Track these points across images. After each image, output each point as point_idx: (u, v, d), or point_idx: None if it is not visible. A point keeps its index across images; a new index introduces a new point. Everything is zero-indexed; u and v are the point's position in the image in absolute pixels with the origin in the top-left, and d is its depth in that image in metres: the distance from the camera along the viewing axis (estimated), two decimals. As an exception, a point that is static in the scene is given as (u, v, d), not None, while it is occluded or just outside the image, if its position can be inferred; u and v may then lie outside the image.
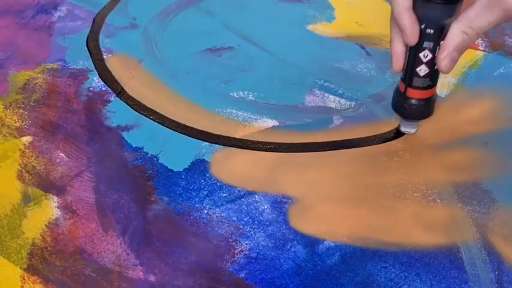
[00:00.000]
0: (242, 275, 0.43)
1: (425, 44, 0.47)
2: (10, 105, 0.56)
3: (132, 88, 0.60)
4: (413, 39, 0.47)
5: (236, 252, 0.44)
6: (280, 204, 0.48)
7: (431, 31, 0.46)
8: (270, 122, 0.56)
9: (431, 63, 0.48)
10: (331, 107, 0.59)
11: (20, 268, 0.43)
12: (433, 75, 0.49)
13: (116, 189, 0.49)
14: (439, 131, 0.56)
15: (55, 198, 0.48)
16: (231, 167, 0.52)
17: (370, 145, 0.54)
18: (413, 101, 0.51)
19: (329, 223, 0.47)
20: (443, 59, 0.46)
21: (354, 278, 0.43)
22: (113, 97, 0.58)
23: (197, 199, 0.48)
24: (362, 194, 0.50)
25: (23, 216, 0.46)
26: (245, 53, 0.67)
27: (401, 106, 0.52)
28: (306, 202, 0.49)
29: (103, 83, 0.60)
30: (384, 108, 0.59)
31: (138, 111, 0.57)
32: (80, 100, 0.57)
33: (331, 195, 0.50)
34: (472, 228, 0.47)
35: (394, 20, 0.47)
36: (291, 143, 0.54)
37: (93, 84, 0.60)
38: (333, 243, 0.46)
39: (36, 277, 0.42)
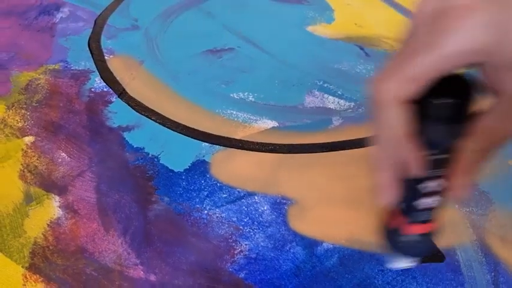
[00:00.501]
0: (242, 275, 0.43)
1: (430, 172, 0.36)
2: (13, 106, 0.56)
3: (134, 89, 0.60)
4: (417, 171, 0.35)
5: (236, 252, 0.44)
6: (280, 205, 0.48)
7: (440, 157, 0.35)
8: (270, 123, 0.56)
9: (437, 194, 0.37)
10: (330, 107, 0.59)
11: (22, 267, 0.43)
12: (438, 207, 0.38)
13: (117, 189, 0.49)
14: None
15: (57, 197, 0.48)
16: (231, 168, 0.52)
17: (369, 146, 0.54)
18: (412, 238, 0.39)
19: (328, 225, 0.47)
20: (461, 186, 0.35)
21: (351, 280, 0.43)
22: (114, 98, 0.58)
23: (197, 199, 0.48)
24: (361, 195, 0.50)
25: (25, 215, 0.46)
26: (245, 54, 0.67)
27: (393, 242, 0.40)
28: (305, 203, 0.49)
29: (104, 83, 0.60)
30: (383, 110, 0.58)
31: (139, 112, 0.57)
32: (82, 101, 0.57)
33: (330, 196, 0.50)
34: (468, 229, 0.47)
35: (386, 146, 0.35)
36: (290, 144, 0.54)
37: (95, 85, 0.60)
38: (331, 245, 0.46)
39: (38, 276, 0.42)
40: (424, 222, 0.38)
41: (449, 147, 0.34)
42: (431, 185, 0.36)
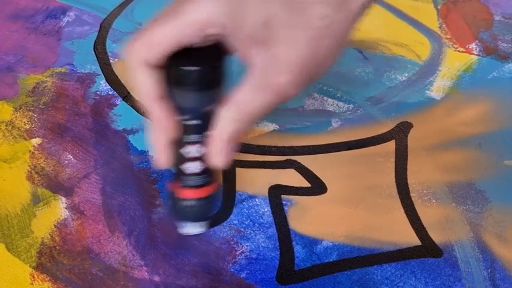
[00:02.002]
0: (243, 275, 0.43)
1: (187, 137, 0.37)
2: (20, 108, 0.56)
3: (138, 91, 0.60)
4: (171, 134, 0.36)
5: (237, 253, 0.44)
6: (280, 206, 0.48)
7: (196, 121, 0.36)
8: (271, 126, 0.56)
9: (200, 160, 0.38)
10: (330, 110, 0.59)
11: (30, 266, 0.43)
12: (208, 171, 0.39)
13: (121, 192, 0.48)
14: (435, 133, 0.56)
15: (63, 199, 0.48)
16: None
17: (367, 146, 0.54)
18: (188, 202, 0.40)
19: (327, 223, 0.47)
20: (214, 153, 0.36)
21: (351, 276, 0.43)
22: (119, 101, 0.58)
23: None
24: (359, 194, 0.50)
25: (32, 216, 0.46)
26: (247, 56, 0.66)
27: (174, 207, 0.41)
28: (304, 204, 0.48)
29: (110, 86, 0.60)
30: (381, 111, 0.58)
31: (143, 115, 0.57)
32: (88, 103, 0.57)
33: (329, 196, 0.49)
34: (466, 227, 0.47)
35: (144, 108, 0.36)
36: (291, 146, 0.54)
37: (100, 88, 0.60)
38: (330, 243, 0.45)
39: (45, 275, 0.42)
40: (196, 187, 0.39)
41: (202, 114, 0.36)
42: (191, 150, 0.37)
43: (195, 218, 0.41)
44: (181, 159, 0.38)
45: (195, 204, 0.40)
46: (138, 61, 0.33)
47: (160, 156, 0.37)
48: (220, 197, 0.46)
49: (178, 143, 0.37)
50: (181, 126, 0.36)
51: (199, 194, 0.40)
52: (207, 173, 0.39)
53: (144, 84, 0.34)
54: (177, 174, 0.39)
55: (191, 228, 0.42)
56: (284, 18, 0.32)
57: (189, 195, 0.40)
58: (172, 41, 0.33)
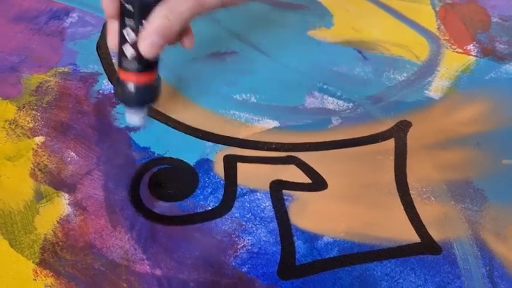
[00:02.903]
0: (244, 269, 0.43)
1: (127, 20, 0.42)
2: (24, 107, 0.56)
3: (140, 91, 0.60)
4: (108, 12, 0.43)
5: (239, 247, 0.44)
6: (281, 201, 0.48)
7: (131, 7, 0.41)
8: (272, 123, 0.56)
9: (135, 45, 0.43)
10: (330, 108, 0.59)
11: (33, 262, 0.43)
12: (144, 60, 0.44)
13: (124, 187, 0.48)
14: (434, 132, 0.56)
15: (66, 195, 0.48)
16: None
17: (367, 144, 0.54)
18: (127, 86, 0.45)
19: (328, 220, 0.47)
20: (143, 40, 0.42)
21: (351, 272, 0.43)
22: (121, 99, 0.58)
23: (201, 197, 0.48)
24: (359, 191, 0.50)
25: (35, 212, 0.46)
26: (248, 57, 0.66)
27: (116, 90, 0.47)
28: (305, 199, 0.48)
29: (112, 86, 0.60)
30: (381, 109, 0.58)
31: (145, 113, 0.57)
32: (90, 102, 0.57)
33: (329, 192, 0.49)
34: (464, 225, 0.47)
35: None
36: (291, 143, 0.54)
37: (103, 87, 0.60)
38: (331, 239, 0.45)
39: (48, 271, 0.42)
40: (135, 71, 0.45)
41: (144, 3, 0.41)
42: (130, 33, 0.43)
43: (133, 102, 0.47)
44: (122, 40, 0.43)
45: (136, 89, 0.45)
46: None
47: (110, 38, 0.46)
48: (159, 89, 0.48)
49: (121, 24, 0.43)
50: (123, 9, 0.42)
51: (138, 79, 0.45)
52: (143, 61, 0.44)
53: None
54: (119, 56, 0.45)
55: (131, 116, 0.49)
56: None
57: (127, 78, 0.45)
58: None
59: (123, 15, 0.42)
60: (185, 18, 0.43)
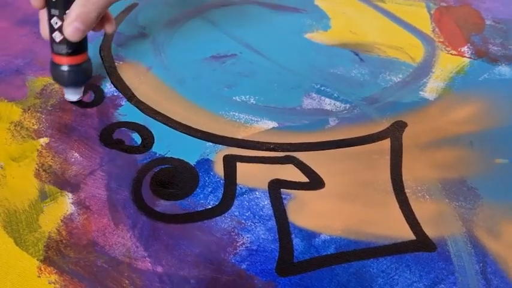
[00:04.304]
0: (243, 266, 0.43)
1: (53, 11, 0.49)
2: (29, 109, 0.56)
3: (142, 93, 0.60)
4: (35, 4, 0.50)
5: (238, 245, 0.44)
6: (280, 200, 0.48)
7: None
8: (270, 124, 0.56)
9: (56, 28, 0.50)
10: (327, 109, 0.59)
11: (37, 260, 0.43)
12: (70, 42, 0.51)
13: (126, 187, 0.49)
14: (428, 131, 0.56)
15: (70, 195, 0.48)
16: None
17: (363, 144, 0.54)
18: (60, 68, 0.53)
19: (325, 218, 0.47)
20: (66, 26, 0.49)
21: (348, 268, 0.43)
22: (124, 101, 0.58)
23: (202, 196, 0.48)
24: (355, 190, 0.50)
25: (40, 211, 0.46)
26: (247, 60, 0.66)
27: (52, 72, 0.54)
28: (303, 198, 0.48)
29: (115, 88, 0.60)
30: (377, 110, 0.59)
31: (147, 114, 0.57)
32: (93, 104, 0.57)
33: (326, 191, 0.49)
34: (458, 222, 0.47)
35: None
36: (289, 143, 0.54)
37: (106, 90, 0.60)
38: (328, 237, 0.45)
39: (52, 268, 0.42)
40: (66, 54, 0.52)
41: None
42: (56, 21, 0.50)
43: (69, 83, 0.54)
44: (51, 29, 0.51)
45: (69, 70, 0.52)
46: None
47: (42, 28, 0.53)
48: (90, 69, 0.55)
49: (49, 16, 0.50)
50: (49, 1, 0.49)
51: (69, 61, 0.52)
52: (70, 45, 0.51)
53: None
54: (51, 43, 0.52)
55: (71, 95, 0.56)
56: None
57: (61, 61, 0.52)
58: None
59: (49, 6, 0.49)
60: (101, 6, 0.50)
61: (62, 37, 0.50)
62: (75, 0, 0.48)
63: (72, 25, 0.49)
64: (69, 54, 0.51)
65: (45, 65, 0.62)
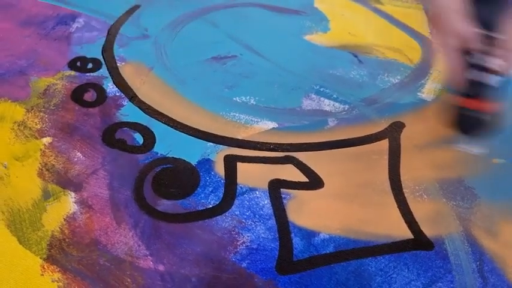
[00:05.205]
0: (244, 264, 0.43)
1: (489, 49, 0.37)
2: (32, 109, 0.56)
3: (144, 93, 0.60)
4: (473, 45, 0.37)
5: (238, 243, 0.44)
6: (280, 199, 0.48)
7: (489, 33, 0.36)
8: (270, 124, 0.56)
9: (498, 72, 0.38)
10: (326, 110, 0.59)
11: (40, 258, 0.43)
12: (498, 86, 0.39)
13: (128, 186, 0.48)
14: (426, 132, 0.56)
15: (72, 194, 0.48)
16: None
17: (362, 144, 0.54)
18: (473, 113, 0.40)
19: (324, 217, 0.47)
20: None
21: (346, 267, 0.43)
22: (126, 102, 0.58)
23: (203, 195, 0.48)
24: (354, 189, 0.50)
25: (43, 210, 0.46)
26: (247, 61, 0.66)
27: (461, 120, 0.41)
28: (303, 198, 0.48)
29: (117, 88, 0.60)
30: (375, 111, 0.58)
31: (149, 114, 0.57)
32: (96, 104, 0.57)
33: (326, 191, 0.49)
34: (455, 221, 0.47)
35: (445, 29, 0.38)
36: (289, 143, 0.54)
37: (108, 90, 0.60)
38: (327, 236, 0.45)
39: (55, 266, 0.42)
40: (483, 99, 0.39)
41: (500, 28, 0.36)
42: (491, 61, 0.37)
43: (474, 130, 0.42)
44: (481, 71, 0.38)
45: (478, 117, 0.40)
46: None
47: (457, 73, 0.38)
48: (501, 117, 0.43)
49: (474, 56, 0.37)
50: (482, 39, 0.36)
51: (485, 108, 0.40)
52: (497, 88, 0.38)
53: (454, 3, 0.36)
54: (471, 88, 0.39)
55: (474, 147, 0.45)
56: None
57: (476, 106, 0.40)
58: None
59: (483, 45, 0.37)
60: None
61: (493, 80, 0.38)
62: None
63: None
64: (487, 99, 0.39)
65: (48, 65, 0.62)
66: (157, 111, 0.57)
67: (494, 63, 0.37)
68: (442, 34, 0.38)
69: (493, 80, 0.37)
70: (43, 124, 0.55)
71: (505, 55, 0.36)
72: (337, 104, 0.60)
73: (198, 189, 0.49)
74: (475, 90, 0.38)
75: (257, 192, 0.49)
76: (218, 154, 0.53)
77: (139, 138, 0.53)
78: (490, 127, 0.41)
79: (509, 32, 0.35)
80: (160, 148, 0.53)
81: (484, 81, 0.38)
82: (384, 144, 0.54)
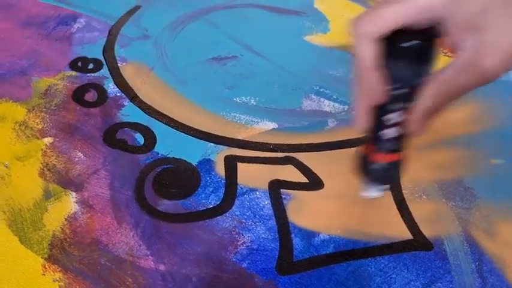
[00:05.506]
0: (244, 264, 0.43)
1: (393, 106, 0.38)
2: (33, 109, 0.56)
3: (144, 94, 0.60)
4: (378, 100, 0.37)
5: (239, 244, 0.44)
6: (280, 200, 0.48)
7: (400, 92, 0.37)
8: (270, 125, 0.56)
9: (399, 126, 0.39)
10: (326, 110, 0.59)
11: (42, 258, 0.43)
12: (402, 138, 0.40)
13: (129, 186, 0.49)
14: (425, 133, 0.56)
15: (74, 194, 0.48)
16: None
17: (362, 145, 0.54)
18: (378, 165, 0.41)
19: (324, 217, 0.47)
20: (415, 122, 0.37)
21: (346, 267, 0.43)
22: (126, 102, 0.58)
23: (203, 195, 0.48)
24: (354, 190, 0.50)
25: (44, 210, 0.46)
26: (247, 61, 0.66)
27: (364, 169, 0.42)
28: (303, 198, 0.49)
29: (118, 89, 0.60)
30: (375, 112, 0.58)
31: (149, 115, 0.57)
32: (96, 104, 0.57)
33: (326, 191, 0.49)
34: (454, 222, 0.47)
35: (357, 77, 0.38)
36: (289, 144, 0.54)
37: (109, 90, 0.60)
38: (327, 236, 0.45)
39: (56, 266, 0.42)
40: (389, 151, 0.40)
41: (411, 86, 0.36)
42: (393, 117, 0.37)
43: (382, 181, 0.42)
44: (381, 125, 0.38)
45: (387, 168, 0.41)
46: (364, 33, 0.35)
47: (361, 122, 0.39)
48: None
49: (380, 111, 0.38)
50: (388, 95, 0.37)
51: (391, 158, 0.40)
52: (401, 140, 0.39)
53: (365, 54, 0.35)
54: (373, 139, 0.39)
55: (374, 191, 0.43)
56: (501, 8, 0.32)
57: (383, 158, 0.40)
58: (398, 20, 0.34)
59: (389, 101, 0.37)
60: (459, 96, 0.36)
61: (395, 133, 0.39)
62: (424, 91, 0.36)
63: (421, 121, 0.37)
64: (393, 151, 0.40)
65: (49, 65, 0.62)
66: (158, 111, 0.57)
67: (396, 117, 0.38)
68: (357, 86, 0.37)
69: (396, 131, 0.38)
70: (44, 124, 0.55)
71: (411, 116, 0.37)
72: (336, 105, 0.60)
73: (199, 189, 0.49)
74: (379, 143, 0.39)
75: (257, 193, 0.49)
76: (218, 154, 0.53)
77: (140, 139, 0.53)
78: (393, 176, 0.42)
79: (423, 94, 0.36)
80: (161, 148, 0.53)
81: (388, 135, 0.39)
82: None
